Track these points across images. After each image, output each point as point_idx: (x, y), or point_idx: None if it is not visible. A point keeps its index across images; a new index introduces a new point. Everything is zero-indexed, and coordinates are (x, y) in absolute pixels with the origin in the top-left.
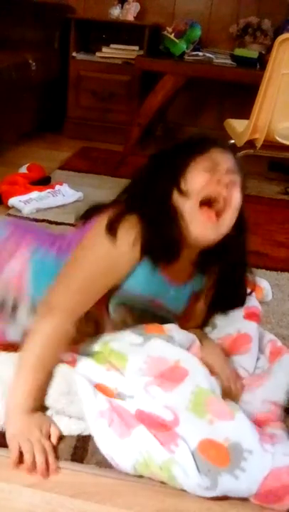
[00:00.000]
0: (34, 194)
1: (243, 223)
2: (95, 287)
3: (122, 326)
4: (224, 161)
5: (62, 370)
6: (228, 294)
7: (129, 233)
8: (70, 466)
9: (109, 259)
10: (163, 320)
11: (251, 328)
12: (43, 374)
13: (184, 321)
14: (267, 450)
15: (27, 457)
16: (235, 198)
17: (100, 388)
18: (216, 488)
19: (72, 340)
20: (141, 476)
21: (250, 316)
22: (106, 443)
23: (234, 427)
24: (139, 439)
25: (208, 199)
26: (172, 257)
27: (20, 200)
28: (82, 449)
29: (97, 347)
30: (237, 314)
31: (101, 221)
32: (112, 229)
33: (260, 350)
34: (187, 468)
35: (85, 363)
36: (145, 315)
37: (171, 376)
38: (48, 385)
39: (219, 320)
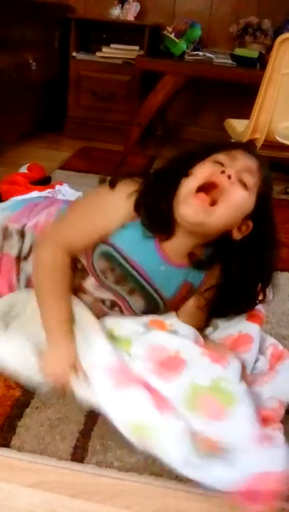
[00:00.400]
0: (34, 194)
1: (267, 236)
2: (85, 223)
3: (101, 280)
4: (243, 159)
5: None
6: (229, 302)
7: (128, 187)
8: (70, 466)
9: (103, 200)
10: (148, 300)
11: (253, 329)
12: (61, 300)
13: (179, 312)
14: (259, 451)
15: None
16: (237, 194)
17: None
18: (202, 469)
19: None
20: (141, 476)
21: (253, 318)
22: (102, 391)
23: (224, 428)
24: (135, 395)
25: (207, 185)
26: (162, 228)
27: None
28: (82, 449)
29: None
30: (239, 316)
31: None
32: (113, 181)
33: (261, 352)
34: (179, 438)
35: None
36: (126, 278)
37: (169, 365)
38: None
39: (221, 321)
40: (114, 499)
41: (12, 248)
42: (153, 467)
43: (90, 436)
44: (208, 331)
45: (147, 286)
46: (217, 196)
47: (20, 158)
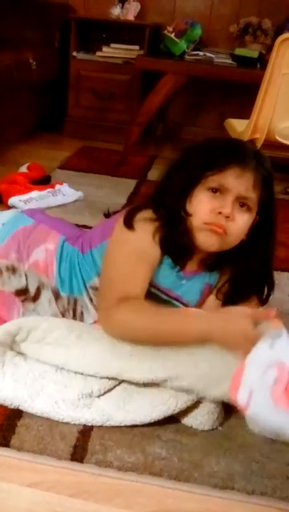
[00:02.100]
0: (34, 193)
1: (268, 228)
2: (135, 277)
3: None
4: (236, 185)
5: None
6: (241, 290)
7: (147, 224)
8: (69, 465)
9: (135, 246)
10: None
11: None
12: (167, 314)
13: None
14: None
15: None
16: (240, 222)
17: None
18: None
19: None
20: (140, 476)
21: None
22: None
23: None
24: None
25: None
26: (186, 258)
27: (20, 200)
28: (81, 449)
29: None
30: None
31: (120, 219)
32: (128, 220)
33: None
34: None
35: None
36: (161, 303)
37: None
38: None
39: None
40: (114, 499)
41: (4, 285)
42: (152, 467)
43: (89, 436)
44: None
45: (177, 304)
46: (226, 225)
47: (20, 157)
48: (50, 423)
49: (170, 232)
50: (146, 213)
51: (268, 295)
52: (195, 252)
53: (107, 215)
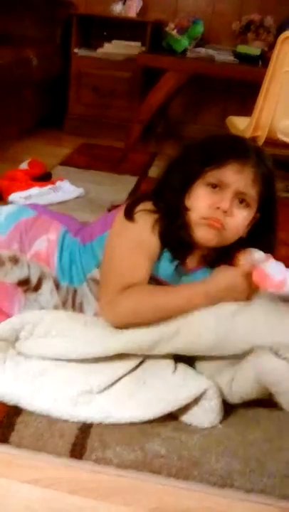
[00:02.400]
0: (35, 190)
1: (269, 225)
2: (136, 267)
3: None
4: (235, 180)
5: None
6: None
7: (146, 216)
8: (68, 462)
9: (134, 238)
10: None
11: None
12: (170, 290)
13: None
14: None
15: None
16: (239, 218)
17: None
18: None
19: None
20: (139, 473)
21: None
22: None
23: None
24: None
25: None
26: (186, 252)
27: (20, 196)
28: (80, 446)
29: None
30: None
31: (120, 212)
32: (128, 212)
33: None
34: None
35: None
36: None
37: None
38: None
39: None
40: (113, 496)
41: (7, 275)
42: (152, 464)
43: (88, 433)
44: None
45: None
46: (224, 220)
47: (21, 154)
48: (49, 420)
49: (169, 226)
50: (147, 205)
51: None
52: (195, 248)
53: (110, 210)
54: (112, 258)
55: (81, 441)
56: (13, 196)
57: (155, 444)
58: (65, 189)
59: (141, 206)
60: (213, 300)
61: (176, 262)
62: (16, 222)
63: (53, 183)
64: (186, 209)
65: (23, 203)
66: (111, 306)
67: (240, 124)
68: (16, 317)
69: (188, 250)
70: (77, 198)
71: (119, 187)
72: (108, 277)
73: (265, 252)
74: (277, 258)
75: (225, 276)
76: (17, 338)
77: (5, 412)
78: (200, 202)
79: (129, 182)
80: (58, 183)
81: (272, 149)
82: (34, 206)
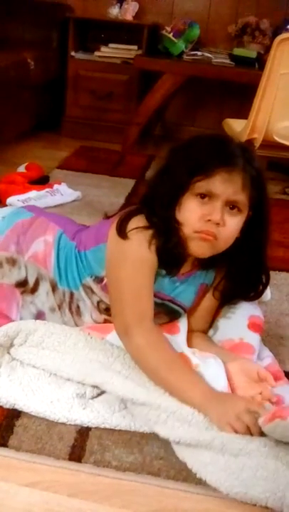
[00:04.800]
0: (32, 193)
1: (261, 223)
2: (144, 288)
3: None
4: (224, 189)
5: None
6: (236, 285)
7: (141, 233)
8: (67, 465)
9: (134, 259)
10: (172, 313)
11: (254, 339)
12: (178, 368)
13: (190, 315)
14: None
15: (242, 432)
16: (231, 226)
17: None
18: None
19: None
20: (138, 475)
21: (254, 326)
22: None
23: None
24: None
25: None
26: (180, 264)
27: (18, 200)
28: (80, 448)
29: None
30: (241, 321)
31: (113, 227)
32: (121, 230)
33: (259, 358)
34: None
35: None
36: (161, 308)
37: None
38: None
39: (221, 323)
40: (112, 499)
41: (5, 277)
42: (151, 467)
43: (87, 435)
44: (210, 333)
45: (171, 305)
46: (217, 231)
47: (19, 157)
48: (48, 423)
49: (165, 244)
50: (139, 221)
51: (264, 289)
52: (188, 255)
53: (106, 219)
54: (118, 284)
55: (80, 444)
56: (11, 199)
57: (154, 446)
58: (62, 192)
59: (133, 222)
60: (214, 408)
61: (170, 275)
62: (13, 223)
63: (51, 186)
64: (178, 223)
65: (20, 206)
66: (126, 333)
67: (236, 127)
68: (11, 325)
69: (183, 263)
70: (74, 201)
71: (117, 190)
72: (119, 304)
73: (259, 250)
74: (274, 260)
75: (236, 406)
76: (12, 345)
77: (4, 415)
78: (191, 215)
79: (126, 185)
80: (56, 186)
81: (269, 151)
82: (31, 208)
